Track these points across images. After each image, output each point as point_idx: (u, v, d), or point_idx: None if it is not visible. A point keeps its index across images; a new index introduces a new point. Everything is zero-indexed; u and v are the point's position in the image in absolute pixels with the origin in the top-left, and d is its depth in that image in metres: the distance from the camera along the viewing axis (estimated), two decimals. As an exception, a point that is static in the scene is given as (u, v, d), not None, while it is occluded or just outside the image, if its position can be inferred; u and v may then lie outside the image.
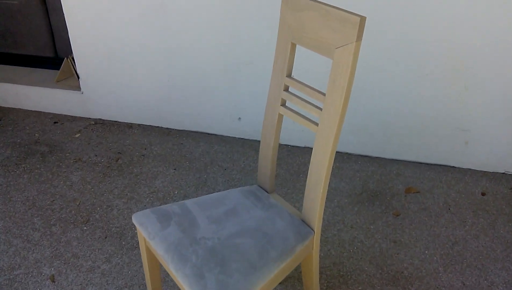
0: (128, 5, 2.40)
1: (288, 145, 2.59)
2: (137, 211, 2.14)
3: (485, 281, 1.79)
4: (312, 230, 1.37)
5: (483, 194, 2.21)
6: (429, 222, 2.05)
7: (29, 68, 3.10)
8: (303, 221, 1.40)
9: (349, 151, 2.50)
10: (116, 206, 2.18)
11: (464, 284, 1.77)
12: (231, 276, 1.18)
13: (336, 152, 2.51)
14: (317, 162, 1.28)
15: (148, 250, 1.43)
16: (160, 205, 2.16)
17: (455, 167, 2.39)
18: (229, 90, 2.51)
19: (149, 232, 1.34)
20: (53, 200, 2.23)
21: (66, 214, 2.14)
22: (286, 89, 1.36)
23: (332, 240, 1.97)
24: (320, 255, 1.90)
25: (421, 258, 1.88)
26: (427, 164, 2.41)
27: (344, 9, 1.13)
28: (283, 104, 1.38)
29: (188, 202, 1.44)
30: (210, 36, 2.37)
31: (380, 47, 2.17)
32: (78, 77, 2.78)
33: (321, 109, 1.24)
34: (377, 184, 2.29)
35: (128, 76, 2.64)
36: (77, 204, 2.20)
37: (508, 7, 1.94)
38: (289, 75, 1.35)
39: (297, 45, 1.31)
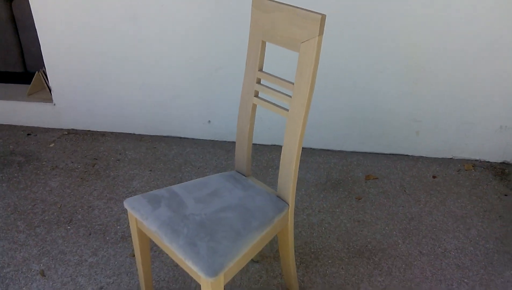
0: (101, 17, 2.54)
1: (256, 144, 2.78)
2: (118, 210, 2.27)
3: (439, 249, 2.02)
4: (287, 203, 1.55)
5: (434, 177, 2.46)
6: (387, 203, 2.28)
7: (-1, 83, 3.17)
8: (279, 197, 1.58)
9: (312, 147, 2.71)
10: (97, 206, 2.29)
11: (421, 253, 2.00)
12: (220, 242, 1.35)
13: (303, 147, 2.73)
14: (289, 142, 1.47)
15: (140, 232, 1.57)
16: (140, 202, 2.29)
17: (408, 155, 2.64)
18: (199, 95, 2.68)
19: (141, 213, 1.48)
20: (34, 205, 2.31)
21: (48, 216, 2.24)
22: (259, 81, 1.55)
23: (302, 224, 2.16)
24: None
25: (382, 233, 2.10)
26: (384, 154, 2.66)
27: (307, 9, 1.33)
28: (256, 95, 1.57)
29: (175, 187, 1.59)
30: (180, 45, 2.54)
31: (340, 47, 2.40)
32: (50, 90, 2.88)
33: (290, 96, 1.44)
34: (339, 173, 2.51)
35: (100, 85, 2.77)
36: (59, 207, 2.30)
37: (450, 11, 2.22)
38: (260, 69, 1.54)
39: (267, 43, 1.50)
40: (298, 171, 2.49)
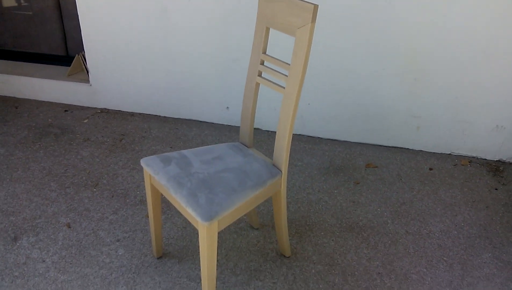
0: (135, 9, 2.83)
1: (269, 131, 3.01)
2: (139, 178, 2.54)
3: (425, 230, 2.20)
4: (280, 171, 1.78)
5: (430, 169, 2.64)
6: (383, 189, 2.47)
7: (43, 64, 3.51)
8: (274, 165, 1.81)
9: (320, 136, 2.93)
10: (120, 174, 2.57)
11: (407, 232, 2.18)
12: (217, 195, 1.59)
13: (309, 136, 2.94)
14: (284, 116, 1.70)
15: (152, 187, 1.82)
16: (158, 173, 2.55)
17: (409, 148, 2.82)
18: (219, 83, 2.93)
19: (154, 169, 1.74)
20: (66, 169, 2.61)
21: (78, 179, 2.53)
22: (262, 63, 1.79)
23: (302, 201, 2.37)
24: (290, 210, 2.30)
25: (374, 214, 2.29)
26: (386, 146, 2.85)
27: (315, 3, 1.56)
28: (260, 74, 1.81)
29: (185, 151, 1.84)
30: (204, 36, 2.81)
31: (347, 49, 2.61)
32: (88, 72, 3.19)
33: (287, 76, 1.67)
34: (342, 161, 2.71)
35: (131, 70, 3.06)
36: (87, 172, 2.59)
37: (449, 17, 2.40)
38: (264, 52, 1.77)
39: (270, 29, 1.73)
40: (304, 156, 2.71)
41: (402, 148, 2.84)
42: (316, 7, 1.52)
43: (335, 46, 2.62)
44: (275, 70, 1.73)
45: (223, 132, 3.00)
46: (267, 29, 1.74)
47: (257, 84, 1.83)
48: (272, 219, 2.25)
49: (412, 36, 2.49)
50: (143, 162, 1.79)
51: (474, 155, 2.74)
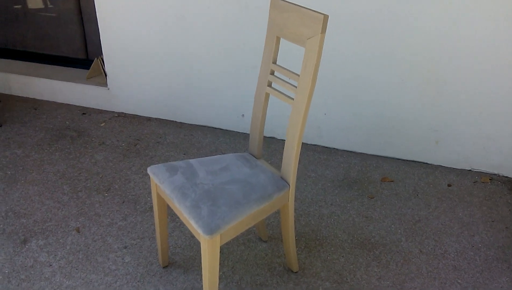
0: (153, 15, 2.84)
1: (283, 140, 2.96)
2: (150, 184, 2.52)
3: (440, 250, 2.12)
4: (288, 184, 1.73)
5: (449, 185, 2.54)
6: (398, 204, 2.40)
7: (63, 67, 3.55)
8: (282, 178, 1.76)
9: (336, 147, 2.87)
10: (133, 179, 2.57)
11: (421, 251, 2.11)
12: (220, 207, 1.55)
13: (325, 147, 2.88)
14: (292, 128, 1.65)
15: (158, 195, 1.80)
16: (170, 180, 2.54)
17: (427, 163, 2.74)
18: (235, 90, 2.90)
19: (159, 178, 1.71)
20: (80, 173, 2.62)
21: (90, 183, 2.53)
22: (272, 73, 1.75)
23: (313, 214, 2.32)
24: (301, 223, 2.25)
25: (387, 230, 2.22)
26: (403, 160, 2.77)
27: (313, 9, 1.52)
28: (269, 84, 1.77)
29: (192, 160, 1.81)
30: (221, 44, 2.79)
31: (366, 61, 2.55)
32: (106, 75, 3.21)
33: (296, 87, 1.62)
34: (357, 173, 2.64)
35: (148, 75, 3.07)
36: (100, 176, 2.59)
37: (471, 29, 2.32)
38: (274, 62, 1.74)
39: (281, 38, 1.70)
40: (318, 167, 2.66)
41: (420, 162, 2.75)
42: (326, 17, 1.48)
43: (354, 56, 2.56)
44: (285, 81, 1.69)
45: (237, 140, 2.97)
46: (278, 39, 1.70)
47: (267, 94, 1.79)
48: (281, 231, 2.20)
49: (433, 46, 2.41)
50: (149, 171, 1.77)
51: (495, 172, 2.63)
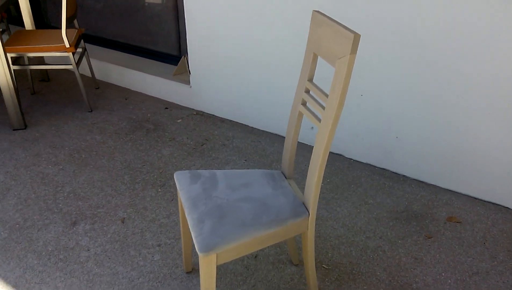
0: (237, 20, 2.84)
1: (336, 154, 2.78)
2: (203, 186, 2.54)
3: (492, 313, 1.82)
4: (308, 212, 1.61)
5: (529, 238, 2.18)
6: (458, 250, 2.11)
7: (156, 61, 3.74)
8: (304, 203, 1.64)
9: (405, 174, 2.61)
10: (188, 179, 2.60)
11: (468, 310, 1.83)
12: (224, 225, 1.49)
13: (393, 172, 2.65)
14: (316, 153, 1.53)
15: (180, 201, 1.79)
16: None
17: (508, 208, 2.37)
18: (306, 101, 2.79)
19: (180, 185, 1.70)
20: (143, 165, 2.73)
21: (149, 177, 2.62)
22: (307, 91, 1.63)
23: (357, 244, 2.14)
24: (340, 252, 2.09)
25: (435, 278, 1.96)
26: (480, 199, 2.42)
27: (347, 27, 1.37)
28: (304, 103, 1.65)
29: (218, 171, 1.77)
30: (297, 52, 2.69)
31: (445, 80, 2.28)
32: (190, 73, 3.30)
33: (324, 108, 1.49)
34: (421, 207, 2.38)
35: (228, 78, 3.09)
36: (160, 171, 2.67)
37: None
38: (310, 80, 1.62)
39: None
40: (378, 194, 2.45)
41: (499, 205, 2.39)
42: (357, 36, 1.33)
43: (433, 76, 2.30)
44: (316, 101, 1.56)
45: (302, 152, 2.86)
46: (315, 56, 1.58)
47: (300, 114, 1.68)
48: (316, 257, 2.07)
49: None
50: (176, 175, 1.77)
51: None
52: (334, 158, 2.80)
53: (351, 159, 2.79)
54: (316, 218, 2.29)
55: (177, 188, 1.73)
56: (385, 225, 2.26)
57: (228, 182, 1.70)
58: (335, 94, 1.41)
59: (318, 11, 1.54)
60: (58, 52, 3.11)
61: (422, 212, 2.35)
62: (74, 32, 3.31)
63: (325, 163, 1.52)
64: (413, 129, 2.48)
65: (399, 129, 2.52)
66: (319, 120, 1.54)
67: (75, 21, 3.42)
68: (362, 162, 2.75)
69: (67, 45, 3.08)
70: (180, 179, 1.73)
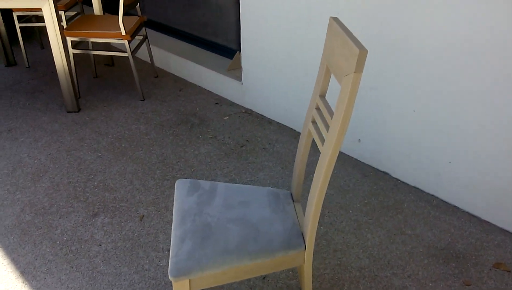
0: (290, 21, 2.66)
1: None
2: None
3: None
4: (304, 244, 1.42)
5: None
6: (499, 306, 1.79)
7: (214, 54, 3.66)
8: (303, 234, 1.45)
9: (457, 205, 2.29)
10: (217, 181, 2.49)
11: None
12: (204, 248, 1.35)
13: (443, 201, 2.34)
14: (316, 179, 1.33)
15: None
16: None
17: None
18: (353, 112, 2.55)
19: (177, 194, 1.59)
20: (178, 161, 2.66)
21: (179, 174, 2.55)
22: (318, 107, 1.43)
23: (380, 280, 1.90)
24: (358, 287, 1.86)
25: (463, 336, 1.68)
26: (542, 247, 2.05)
27: (357, 40, 1.16)
28: (313, 121, 1.46)
29: (220, 184, 1.63)
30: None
31: (507, 101, 1.94)
32: (242, 70, 3.18)
33: (327, 130, 1.29)
34: (466, 246, 2.06)
35: (280, 78, 2.92)
36: (192, 170, 2.59)
37: None
38: (322, 95, 1.41)
39: (332, 68, 1.36)
40: (418, 224, 2.17)
41: None
42: (363, 53, 1.11)
43: (496, 96, 1.97)
44: (322, 120, 1.36)
45: (345, 167, 2.62)
46: (328, 70, 1.38)
47: (309, 132, 1.48)
48: (330, 288, 1.86)
49: None
50: (177, 183, 1.66)
51: None
52: (379, 176, 2.53)
53: (398, 179, 2.51)
54: (341, 243, 2.07)
55: (174, 197, 1.62)
56: (418, 262, 1.99)
57: (226, 198, 1.56)
58: (338, 115, 1.21)
59: (335, 18, 1.34)
60: (114, 38, 3.14)
61: (466, 252, 2.04)
62: (134, 20, 3.32)
63: (324, 192, 1.32)
64: (467, 154, 2.15)
65: (453, 153, 2.21)
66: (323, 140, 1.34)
67: (137, 8, 3.44)
68: (409, 184, 2.46)
69: (123, 33, 3.10)
70: (180, 187, 1.62)
